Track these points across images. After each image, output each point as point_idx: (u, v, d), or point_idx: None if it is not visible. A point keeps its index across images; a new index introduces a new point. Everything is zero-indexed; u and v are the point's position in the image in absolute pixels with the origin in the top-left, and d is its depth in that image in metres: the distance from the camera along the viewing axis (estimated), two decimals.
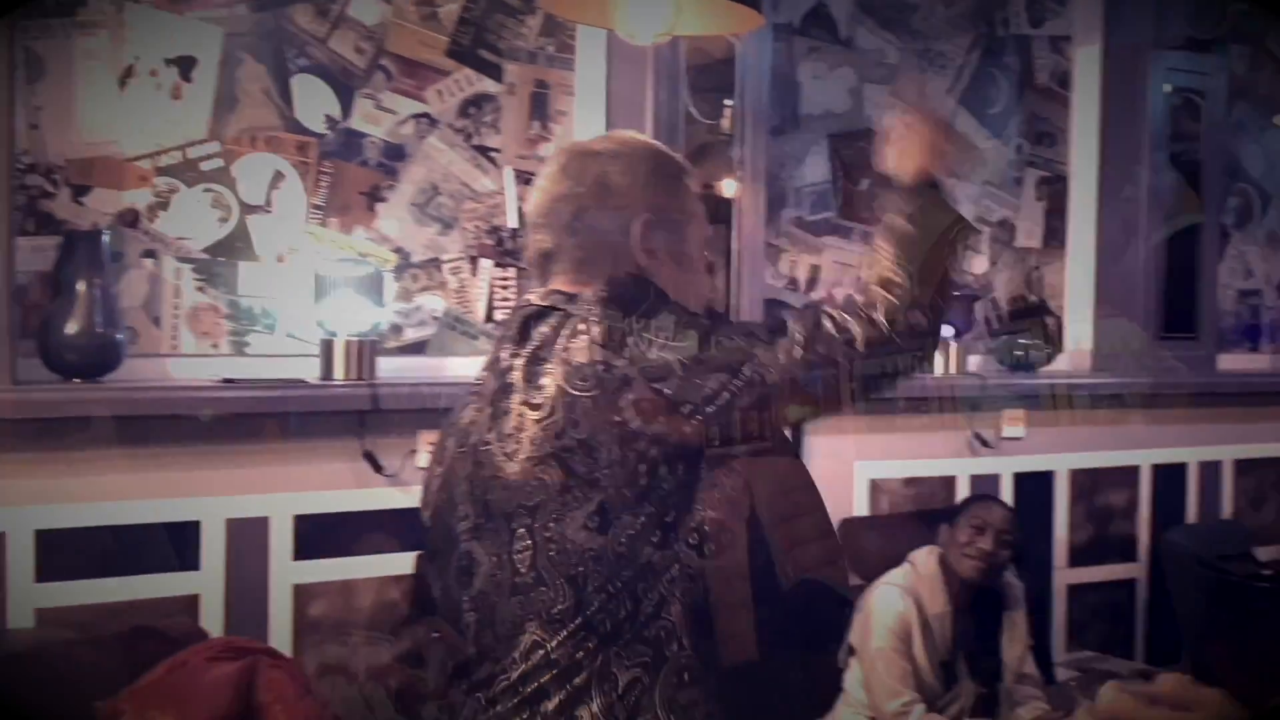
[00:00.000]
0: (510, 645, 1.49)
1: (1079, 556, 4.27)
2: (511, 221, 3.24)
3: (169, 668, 2.36)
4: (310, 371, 2.90)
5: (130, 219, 2.81)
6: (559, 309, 1.54)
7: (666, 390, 1.41)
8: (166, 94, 2.83)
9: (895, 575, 3.16)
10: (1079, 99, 4.37)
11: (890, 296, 1.45)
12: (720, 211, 3.46)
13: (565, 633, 1.46)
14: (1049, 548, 4.19)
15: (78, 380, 2.64)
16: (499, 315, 3.21)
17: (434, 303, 3.18)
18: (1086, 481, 4.28)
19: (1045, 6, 4.30)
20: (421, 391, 2.90)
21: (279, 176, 2.97)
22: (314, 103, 3.01)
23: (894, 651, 3.03)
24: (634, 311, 1.47)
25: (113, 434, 2.62)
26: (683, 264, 1.63)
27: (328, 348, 2.90)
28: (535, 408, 1.47)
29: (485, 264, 3.24)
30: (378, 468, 2.95)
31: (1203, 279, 4.50)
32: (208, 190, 2.89)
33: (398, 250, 3.12)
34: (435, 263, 3.18)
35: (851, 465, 3.79)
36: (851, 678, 3.15)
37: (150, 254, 2.84)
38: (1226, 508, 4.62)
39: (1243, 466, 4.65)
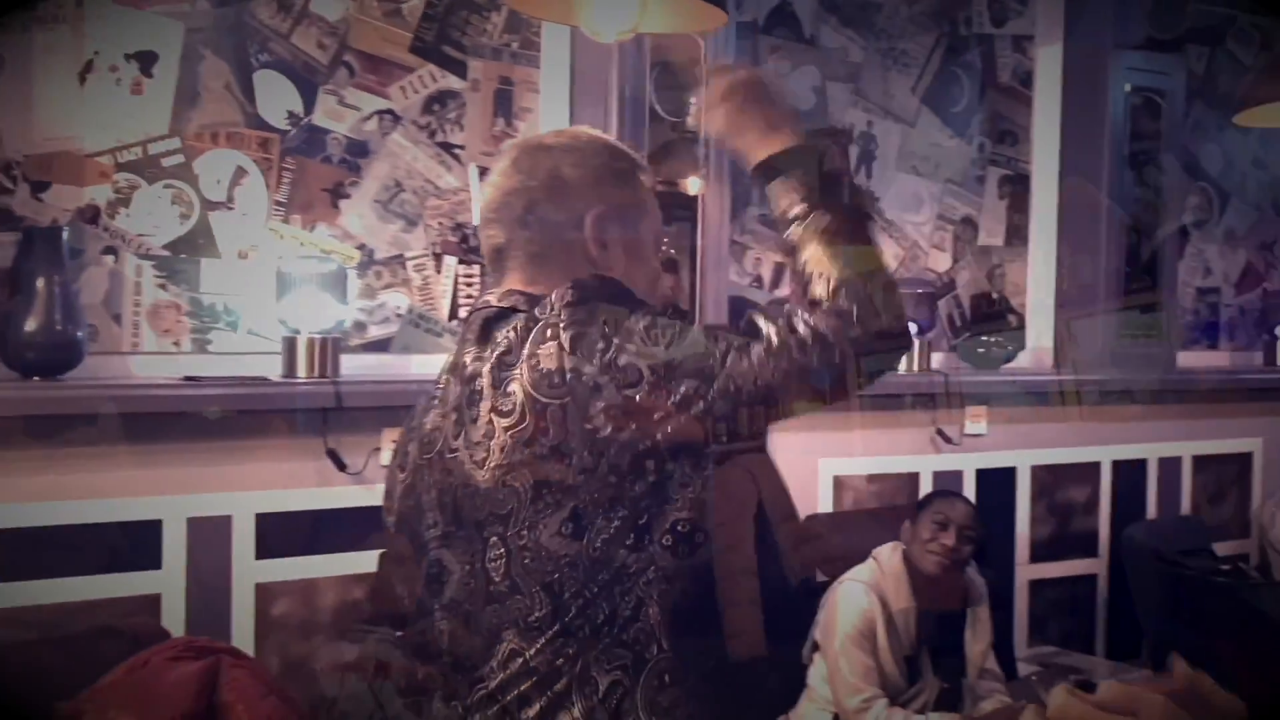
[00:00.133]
0: (487, 654, 1.47)
1: (1040, 552, 4.31)
2: (475, 219, 3.23)
3: (130, 668, 2.34)
4: (273, 369, 2.89)
5: (90, 215, 2.78)
6: (521, 310, 1.51)
7: (638, 397, 1.40)
8: (127, 89, 2.81)
9: (859, 571, 3.17)
10: (1040, 98, 4.41)
11: (832, 280, 1.42)
12: (685, 209, 3.46)
13: (543, 640, 1.44)
14: (1011, 543, 4.22)
15: (37, 378, 2.61)
16: (463, 312, 3.20)
17: (398, 300, 3.17)
18: (1048, 478, 4.32)
19: (1007, 6, 4.33)
20: (385, 389, 2.90)
21: (241, 173, 2.95)
22: (276, 99, 2.99)
23: (857, 648, 3.04)
24: (602, 315, 1.44)
25: (73, 432, 2.60)
26: (636, 257, 1.61)
27: (290, 345, 2.88)
28: (505, 415, 1.44)
29: (449, 261, 3.23)
30: (341, 466, 2.94)
31: (1163, 277, 4.54)
32: (169, 186, 2.87)
33: (361, 247, 3.11)
34: (399, 260, 3.17)
35: (816, 462, 3.81)
36: (815, 673, 3.16)
37: (111, 251, 2.81)
38: (1186, 504, 4.68)
39: (1201, 463, 4.70)
